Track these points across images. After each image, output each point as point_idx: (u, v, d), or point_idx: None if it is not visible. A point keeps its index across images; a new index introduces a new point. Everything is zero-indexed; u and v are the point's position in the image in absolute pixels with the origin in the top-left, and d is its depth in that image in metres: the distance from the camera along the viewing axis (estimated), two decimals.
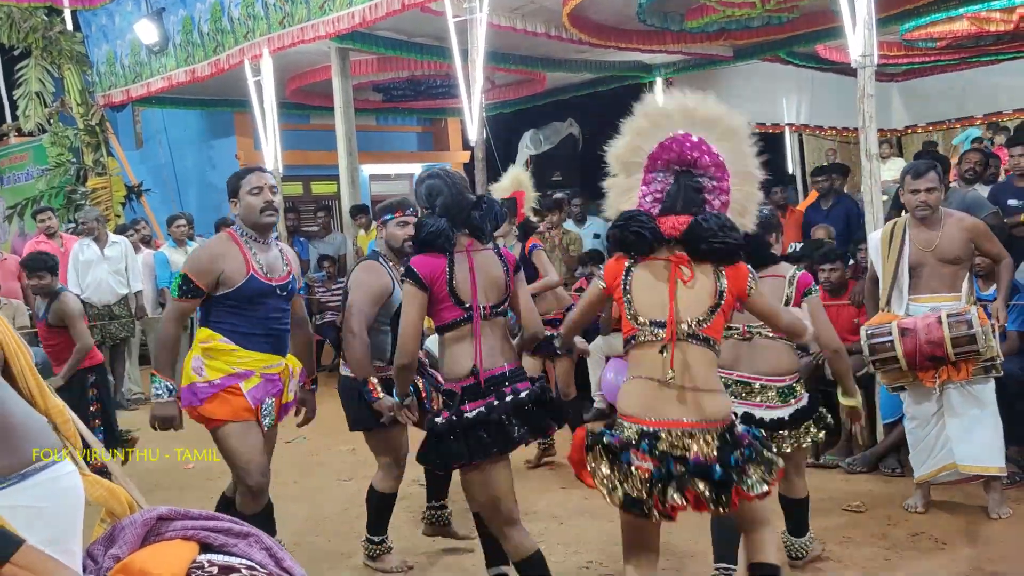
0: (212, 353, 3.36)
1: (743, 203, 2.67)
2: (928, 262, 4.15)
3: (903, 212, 4.40)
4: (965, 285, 4.19)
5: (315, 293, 9.19)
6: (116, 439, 5.11)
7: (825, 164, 9.46)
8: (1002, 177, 6.61)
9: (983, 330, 3.94)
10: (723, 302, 2.59)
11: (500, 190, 5.45)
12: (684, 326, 2.57)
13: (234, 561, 1.51)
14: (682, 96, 2.62)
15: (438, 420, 2.97)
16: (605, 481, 2.57)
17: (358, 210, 8.96)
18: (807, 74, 11.15)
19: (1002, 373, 4.09)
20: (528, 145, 12.48)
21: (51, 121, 10.49)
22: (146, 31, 9.07)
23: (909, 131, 12.93)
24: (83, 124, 10.30)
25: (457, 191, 3.05)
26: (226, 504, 3.57)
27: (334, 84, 8.62)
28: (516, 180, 5.61)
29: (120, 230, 8.66)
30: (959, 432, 4.10)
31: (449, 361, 3.01)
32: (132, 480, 1.77)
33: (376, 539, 3.92)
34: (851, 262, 5.79)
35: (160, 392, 3.36)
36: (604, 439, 2.59)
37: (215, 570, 1.46)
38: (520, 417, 2.95)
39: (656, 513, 2.52)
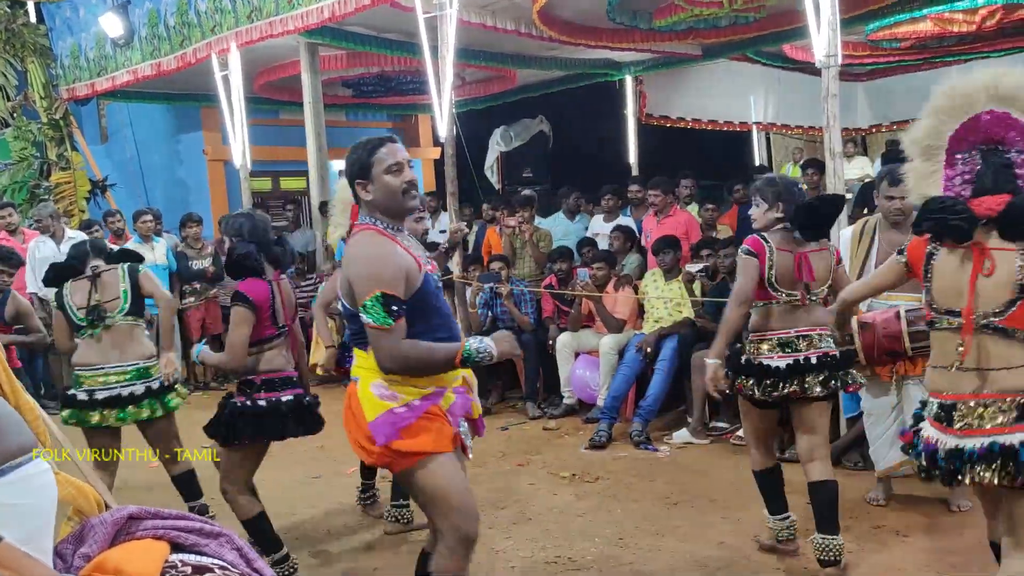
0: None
1: None
2: None
3: (864, 209, 4.46)
4: None
5: None
6: None
7: (794, 162, 9.63)
8: None
9: None
10: None
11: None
12: (980, 317, 2.52)
13: (206, 561, 1.51)
14: (982, 72, 2.55)
15: (236, 402, 3.70)
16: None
17: (327, 205, 8.92)
18: (774, 73, 11.27)
19: None
20: (499, 142, 12.50)
21: (14, 115, 10.31)
22: (111, 24, 8.95)
23: (874, 130, 13.11)
24: (47, 118, 10.14)
25: (262, 227, 3.77)
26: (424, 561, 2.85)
27: (303, 79, 8.58)
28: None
29: (85, 226, 8.53)
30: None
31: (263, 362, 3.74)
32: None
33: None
34: None
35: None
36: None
37: (188, 570, 1.46)
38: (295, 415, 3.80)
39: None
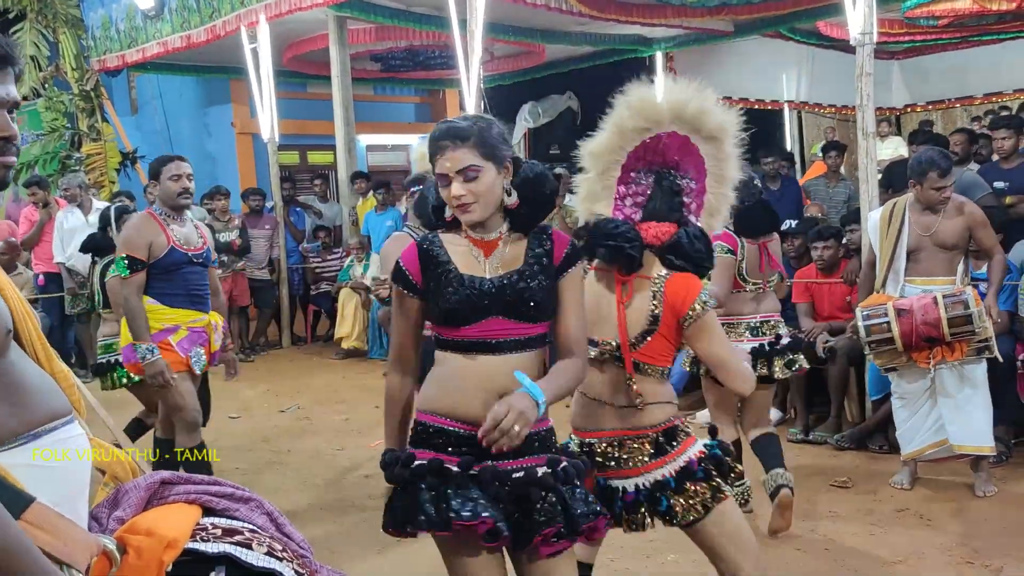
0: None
1: (716, 205, 2.51)
2: (926, 246, 4.14)
3: (889, 190, 4.38)
4: (960, 267, 4.18)
5: (310, 263, 9.19)
6: None
7: (825, 142, 9.50)
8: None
9: (978, 311, 3.95)
10: (658, 327, 2.39)
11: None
12: (615, 349, 2.41)
13: (236, 524, 1.54)
14: (672, 88, 2.43)
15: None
16: None
17: (358, 176, 8.95)
18: (807, 51, 11.10)
19: (995, 354, 4.10)
20: (526, 118, 12.42)
21: (46, 86, 10.41)
22: None
23: (908, 110, 12.90)
24: (78, 89, 10.23)
25: None
26: (158, 443, 4.22)
27: (331, 53, 8.56)
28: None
29: (115, 196, 8.62)
30: (951, 412, 4.12)
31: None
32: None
33: None
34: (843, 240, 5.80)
35: (145, 354, 3.80)
36: None
37: (219, 532, 1.49)
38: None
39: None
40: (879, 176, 5.41)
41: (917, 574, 3.42)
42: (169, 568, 1.38)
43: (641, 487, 2.37)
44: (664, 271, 2.42)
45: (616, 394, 2.42)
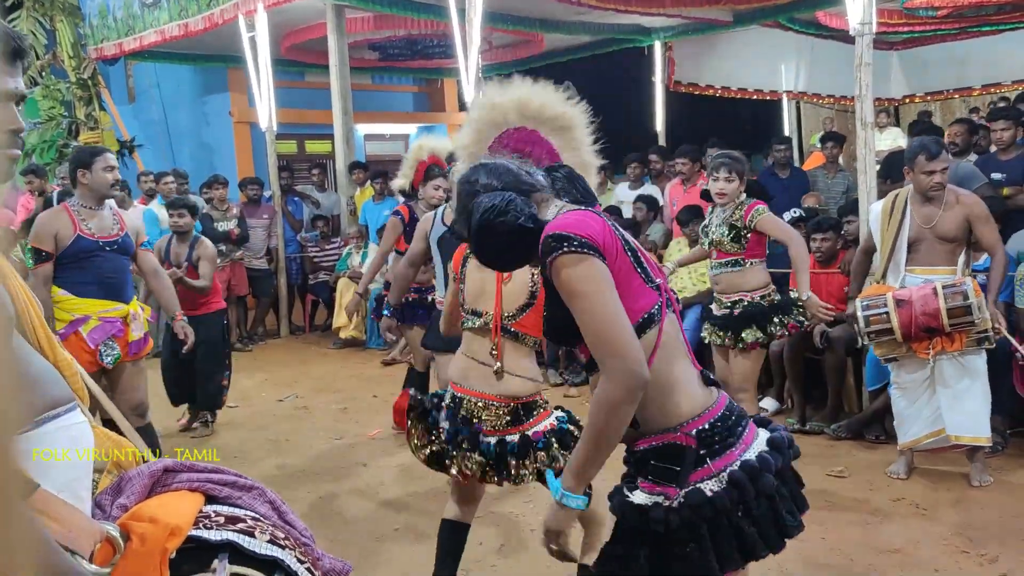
0: (54, 303, 3.95)
1: None
2: (927, 238, 4.15)
3: (888, 181, 4.38)
4: (961, 259, 4.19)
5: (308, 252, 9.18)
6: None
7: (824, 132, 9.50)
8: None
9: (978, 301, 3.96)
10: (535, 302, 2.79)
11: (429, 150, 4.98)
12: (502, 319, 2.83)
13: (239, 512, 1.55)
14: (517, 88, 2.55)
15: (649, 501, 1.75)
16: (416, 440, 2.95)
17: (355, 166, 8.93)
18: (807, 41, 11.07)
19: (995, 345, 4.12)
20: None
21: (43, 74, 10.37)
22: None
23: (907, 100, 12.89)
24: (75, 77, 10.19)
25: None
26: None
27: (329, 41, 8.54)
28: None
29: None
30: (950, 402, 4.13)
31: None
32: None
33: None
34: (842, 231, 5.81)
35: None
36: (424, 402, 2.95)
37: (222, 519, 1.50)
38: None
39: (455, 472, 2.84)
40: (877, 167, 5.42)
41: (913, 563, 3.44)
42: (173, 555, 1.39)
43: (493, 446, 2.77)
44: None
45: (489, 361, 2.82)
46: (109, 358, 3.97)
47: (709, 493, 1.72)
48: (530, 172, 1.93)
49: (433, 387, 4.65)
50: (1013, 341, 4.27)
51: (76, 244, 3.92)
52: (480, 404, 2.81)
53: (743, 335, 4.17)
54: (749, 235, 4.17)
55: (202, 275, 5.58)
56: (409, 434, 3.00)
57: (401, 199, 5.78)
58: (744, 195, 4.23)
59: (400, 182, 5.06)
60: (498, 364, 2.80)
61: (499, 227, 1.79)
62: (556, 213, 1.85)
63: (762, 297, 4.22)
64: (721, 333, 4.27)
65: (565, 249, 1.70)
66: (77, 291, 3.94)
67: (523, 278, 2.81)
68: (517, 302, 2.83)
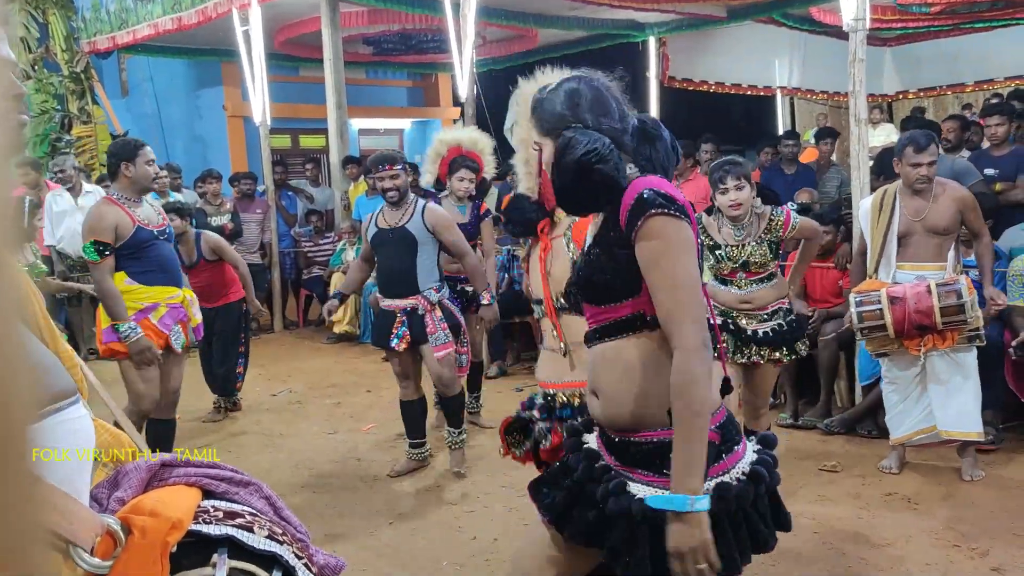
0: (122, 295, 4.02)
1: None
2: (916, 231, 4.17)
3: (881, 177, 4.39)
4: (951, 254, 4.21)
5: (302, 247, 9.17)
6: None
7: (817, 128, 9.52)
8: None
9: (971, 300, 3.98)
10: None
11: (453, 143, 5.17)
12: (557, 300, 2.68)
13: (237, 507, 1.55)
14: (529, 87, 2.55)
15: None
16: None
17: (349, 160, 8.92)
18: (800, 37, 11.09)
19: (985, 343, 4.15)
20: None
21: (35, 67, 10.31)
22: None
23: (900, 96, 12.92)
24: (68, 71, 10.15)
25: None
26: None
27: (324, 36, 8.51)
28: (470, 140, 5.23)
29: (100, 180, 8.56)
30: (941, 398, 4.16)
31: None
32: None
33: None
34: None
35: (129, 333, 3.94)
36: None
37: (220, 515, 1.50)
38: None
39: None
40: (871, 163, 5.44)
41: (905, 557, 3.46)
42: (173, 549, 1.39)
43: None
44: (570, 220, 2.64)
45: (555, 346, 2.67)
46: (178, 343, 4.12)
47: (735, 483, 1.73)
48: (626, 129, 1.85)
49: (429, 385, 4.67)
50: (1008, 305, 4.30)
51: (137, 235, 4.01)
52: (567, 394, 2.64)
53: (779, 352, 3.89)
54: (780, 243, 3.94)
55: (232, 259, 5.63)
56: (507, 448, 2.79)
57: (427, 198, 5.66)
58: (759, 200, 3.90)
59: (426, 178, 5.22)
60: (561, 344, 2.64)
61: (594, 173, 1.76)
62: (631, 173, 1.83)
63: (790, 304, 4.00)
64: (755, 349, 3.88)
65: (670, 211, 1.70)
66: (143, 279, 4.05)
67: (564, 257, 2.64)
68: (566, 279, 2.69)
